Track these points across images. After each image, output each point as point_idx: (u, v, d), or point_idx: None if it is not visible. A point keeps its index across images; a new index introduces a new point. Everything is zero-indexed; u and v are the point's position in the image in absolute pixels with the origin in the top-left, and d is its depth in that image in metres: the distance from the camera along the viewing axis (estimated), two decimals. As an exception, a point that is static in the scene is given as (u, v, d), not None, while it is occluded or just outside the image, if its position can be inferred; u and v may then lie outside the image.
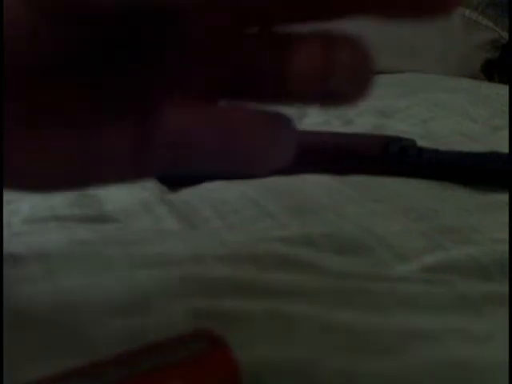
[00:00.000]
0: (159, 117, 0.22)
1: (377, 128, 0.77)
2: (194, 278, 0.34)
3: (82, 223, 0.42)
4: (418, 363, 0.28)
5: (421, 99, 0.97)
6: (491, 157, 0.58)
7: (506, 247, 0.40)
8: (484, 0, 1.34)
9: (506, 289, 0.35)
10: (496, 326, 0.32)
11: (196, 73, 0.22)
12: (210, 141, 0.22)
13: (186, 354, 0.25)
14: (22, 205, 0.47)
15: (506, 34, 1.33)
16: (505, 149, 0.60)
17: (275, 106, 0.23)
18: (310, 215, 0.45)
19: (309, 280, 0.35)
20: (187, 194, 0.53)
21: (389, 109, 0.89)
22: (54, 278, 0.34)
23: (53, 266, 0.35)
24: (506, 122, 0.81)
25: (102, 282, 0.34)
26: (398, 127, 0.77)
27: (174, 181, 0.54)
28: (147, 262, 0.36)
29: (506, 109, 0.86)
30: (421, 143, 0.60)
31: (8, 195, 0.44)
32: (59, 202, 0.46)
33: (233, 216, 0.45)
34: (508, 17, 1.30)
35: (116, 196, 0.50)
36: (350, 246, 0.40)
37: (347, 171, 0.56)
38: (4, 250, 0.35)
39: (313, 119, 0.85)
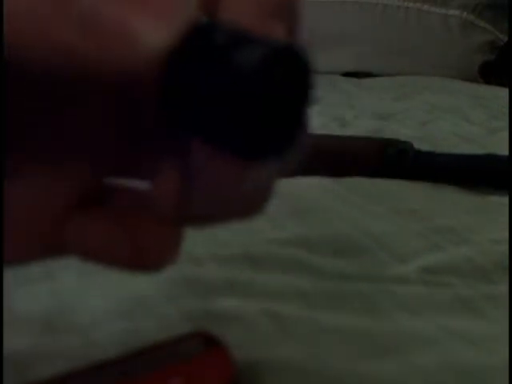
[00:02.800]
0: None
1: (374, 130, 0.77)
2: (191, 279, 0.34)
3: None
4: (418, 366, 0.28)
5: (418, 101, 0.97)
6: (489, 159, 0.58)
7: (504, 248, 0.40)
8: (481, 2, 1.34)
9: (505, 290, 0.35)
10: (496, 327, 0.32)
11: None
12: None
13: (185, 354, 0.25)
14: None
15: (503, 36, 1.33)
16: (503, 151, 0.60)
17: None
18: (307, 217, 0.45)
19: (306, 281, 0.35)
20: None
21: (386, 111, 0.89)
22: (53, 280, 0.34)
23: (51, 268, 0.35)
24: (503, 124, 0.81)
25: (101, 284, 0.34)
26: (395, 130, 0.77)
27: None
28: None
29: (504, 111, 0.86)
30: (418, 146, 0.60)
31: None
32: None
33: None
34: (508, 19, 1.30)
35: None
36: (348, 248, 0.40)
37: (345, 173, 0.56)
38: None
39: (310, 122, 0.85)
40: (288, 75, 0.17)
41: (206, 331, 0.27)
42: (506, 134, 0.74)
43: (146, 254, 0.20)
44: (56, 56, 0.17)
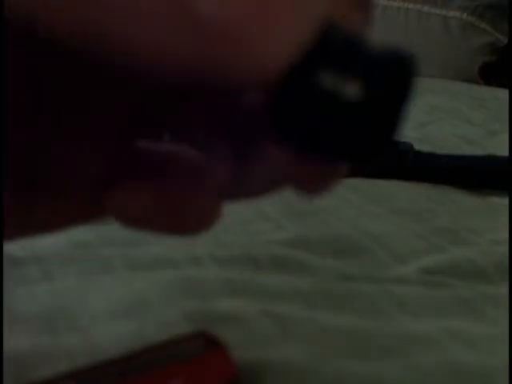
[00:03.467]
0: None
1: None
2: (191, 280, 0.34)
3: (79, 225, 0.42)
4: (418, 367, 0.28)
5: (418, 103, 0.97)
6: (489, 160, 0.58)
7: (505, 249, 0.40)
8: (482, 3, 1.34)
9: (506, 291, 0.35)
10: (496, 328, 0.32)
11: None
12: None
13: (185, 354, 0.25)
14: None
15: (503, 38, 1.33)
16: (502, 152, 0.60)
17: None
18: (307, 217, 0.45)
19: (306, 281, 0.35)
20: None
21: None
22: (52, 280, 0.34)
23: (51, 268, 0.35)
24: (503, 125, 0.81)
25: (101, 284, 0.34)
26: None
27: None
28: (145, 263, 0.36)
29: (504, 112, 0.86)
30: (418, 146, 0.60)
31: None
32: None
33: (230, 218, 0.45)
34: (508, 20, 1.30)
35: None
36: (348, 248, 0.40)
37: (345, 174, 0.56)
38: (3, 252, 0.35)
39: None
40: (401, 85, 0.17)
41: (206, 331, 0.27)
42: (506, 135, 0.74)
43: (185, 222, 0.20)
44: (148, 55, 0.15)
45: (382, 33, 1.38)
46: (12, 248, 0.37)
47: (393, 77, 0.17)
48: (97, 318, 0.31)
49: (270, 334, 0.30)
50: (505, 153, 0.60)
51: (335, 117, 0.17)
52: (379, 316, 0.32)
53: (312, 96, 0.16)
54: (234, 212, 0.46)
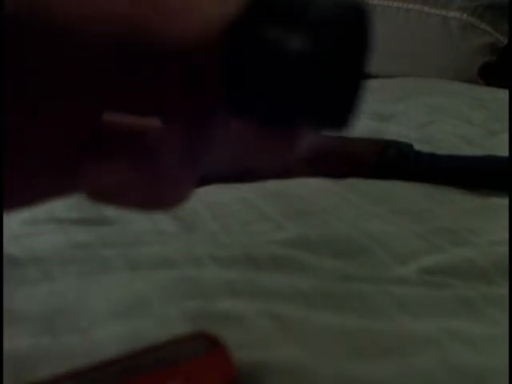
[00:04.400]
0: None
1: (374, 132, 0.76)
2: (191, 280, 0.34)
3: (80, 225, 0.42)
4: (418, 366, 0.28)
5: (418, 103, 0.97)
6: (489, 160, 0.58)
7: (504, 249, 0.40)
8: (481, 4, 1.34)
9: (506, 291, 0.35)
10: (496, 328, 0.32)
11: None
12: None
13: (186, 355, 0.25)
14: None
15: (503, 38, 1.33)
16: (502, 152, 0.60)
17: None
18: (307, 218, 0.45)
19: (306, 282, 0.35)
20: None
21: (386, 112, 0.89)
22: (52, 280, 0.34)
23: (51, 268, 0.35)
24: (503, 125, 0.81)
25: (100, 284, 0.34)
26: (395, 131, 0.77)
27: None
28: (145, 263, 0.36)
29: (504, 112, 0.86)
30: (418, 147, 0.60)
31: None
32: (58, 204, 0.46)
33: (230, 218, 0.45)
34: (508, 21, 1.30)
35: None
36: (348, 249, 0.40)
37: (345, 174, 0.56)
38: (3, 252, 0.35)
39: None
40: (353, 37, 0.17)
41: (207, 332, 0.27)
42: (506, 135, 0.74)
43: (160, 196, 0.20)
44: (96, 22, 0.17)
45: (382, 33, 1.38)
46: (12, 248, 0.37)
47: (341, 26, 0.16)
48: (97, 318, 0.31)
49: (269, 334, 0.30)
50: (505, 153, 0.60)
51: (286, 71, 0.16)
52: (379, 316, 0.32)
53: (259, 52, 0.16)
54: (234, 213, 0.46)
